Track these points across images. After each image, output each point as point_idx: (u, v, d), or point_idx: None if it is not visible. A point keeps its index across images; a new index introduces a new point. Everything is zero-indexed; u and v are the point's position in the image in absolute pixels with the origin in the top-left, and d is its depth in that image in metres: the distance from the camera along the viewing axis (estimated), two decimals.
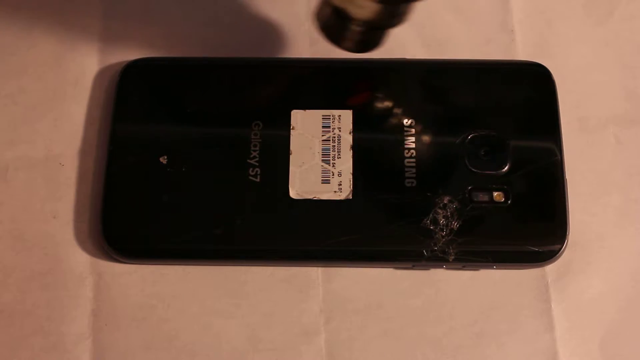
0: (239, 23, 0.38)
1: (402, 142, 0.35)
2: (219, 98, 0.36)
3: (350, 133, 0.35)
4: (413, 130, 0.35)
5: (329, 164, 0.35)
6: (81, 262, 0.35)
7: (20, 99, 0.37)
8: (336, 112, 0.35)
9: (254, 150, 0.35)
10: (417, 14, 0.38)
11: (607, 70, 0.38)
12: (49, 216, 0.36)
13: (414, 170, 0.34)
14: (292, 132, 0.35)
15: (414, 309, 0.35)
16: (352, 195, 0.34)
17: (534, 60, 0.37)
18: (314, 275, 0.35)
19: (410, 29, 0.38)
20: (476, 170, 0.35)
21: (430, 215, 0.34)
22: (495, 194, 0.34)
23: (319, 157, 0.35)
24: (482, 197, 0.34)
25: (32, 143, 0.36)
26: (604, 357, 0.34)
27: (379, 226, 0.34)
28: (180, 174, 0.35)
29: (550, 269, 0.35)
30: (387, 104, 0.36)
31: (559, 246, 0.34)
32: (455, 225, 0.34)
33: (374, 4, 0.30)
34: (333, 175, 0.35)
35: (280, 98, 0.36)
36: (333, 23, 0.32)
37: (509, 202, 0.34)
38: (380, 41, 0.33)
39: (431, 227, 0.34)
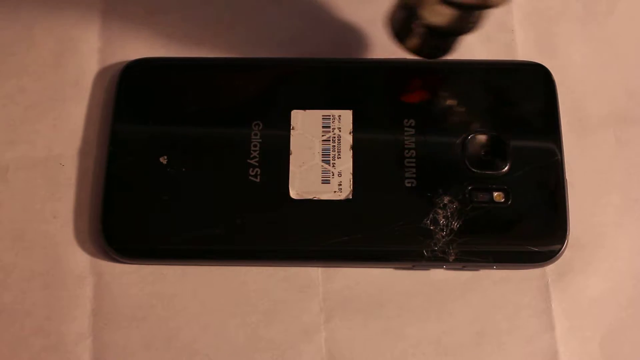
0: (239, 23, 0.38)
1: (402, 142, 0.35)
2: (219, 98, 0.36)
3: (350, 133, 0.35)
4: (413, 130, 0.35)
5: (329, 164, 0.35)
6: (81, 262, 0.35)
7: (20, 99, 0.37)
8: (336, 112, 0.35)
9: (254, 151, 0.35)
10: None
11: (608, 70, 0.38)
12: (49, 216, 0.36)
13: (414, 170, 0.34)
14: (292, 132, 0.35)
15: (414, 308, 0.35)
16: (352, 196, 0.34)
17: (534, 60, 0.37)
18: (314, 275, 0.35)
19: None
20: (476, 170, 0.35)
21: (431, 215, 0.34)
22: (495, 194, 0.34)
23: (319, 157, 0.35)
24: (482, 197, 0.34)
25: (32, 143, 0.36)
26: (604, 357, 0.34)
27: (379, 226, 0.34)
28: (180, 174, 0.35)
29: (551, 268, 0.35)
30: (387, 104, 0.36)
31: (559, 246, 0.34)
32: (455, 225, 0.34)
33: (449, 10, 0.30)
34: (333, 175, 0.35)
35: (281, 98, 0.36)
36: (406, 27, 0.32)
37: (509, 202, 0.34)
38: (452, 47, 0.33)
39: (431, 227, 0.34)
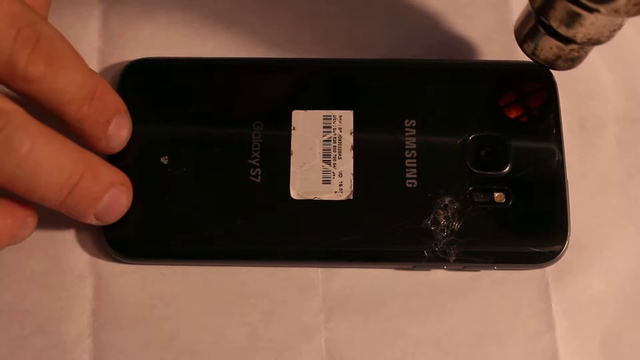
0: (239, 23, 0.38)
1: (402, 143, 0.35)
2: (219, 98, 0.36)
3: (351, 133, 0.35)
4: (414, 130, 0.35)
5: (329, 164, 0.35)
6: (81, 262, 0.35)
7: None
8: (337, 113, 0.35)
9: (255, 151, 0.35)
10: (417, 14, 0.39)
11: (608, 70, 0.38)
12: (49, 215, 0.35)
13: (414, 170, 0.34)
14: (293, 132, 0.35)
15: (414, 308, 0.35)
16: (353, 196, 0.34)
17: None
18: (314, 275, 0.35)
19: (411, 29, 0.38)
20: (477, 170, 0.35)
21: (431, 215, 0.34)
22: (496, 194, 0.34)
23: (319, 157, 0.35)
24: (483, 197, 0.34)
25: None
26: (604, 357, 0.34)
27: (380, 227, 0.34)
28: (181, 174, 0.35)
29: (551, 268, 0.35)
30: (388, 104, 0.36)
31: (560, 247, 0.34)
32: (456, 226, 0.34)
33: (604, 17, 0.30)
34: (334, 175, 0.35)
35: (281, 98, 0.36)
36: (541, 39, 0.33)
37: (510, 202, 0.34)
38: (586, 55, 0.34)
39: (432, 228, 0.34)
